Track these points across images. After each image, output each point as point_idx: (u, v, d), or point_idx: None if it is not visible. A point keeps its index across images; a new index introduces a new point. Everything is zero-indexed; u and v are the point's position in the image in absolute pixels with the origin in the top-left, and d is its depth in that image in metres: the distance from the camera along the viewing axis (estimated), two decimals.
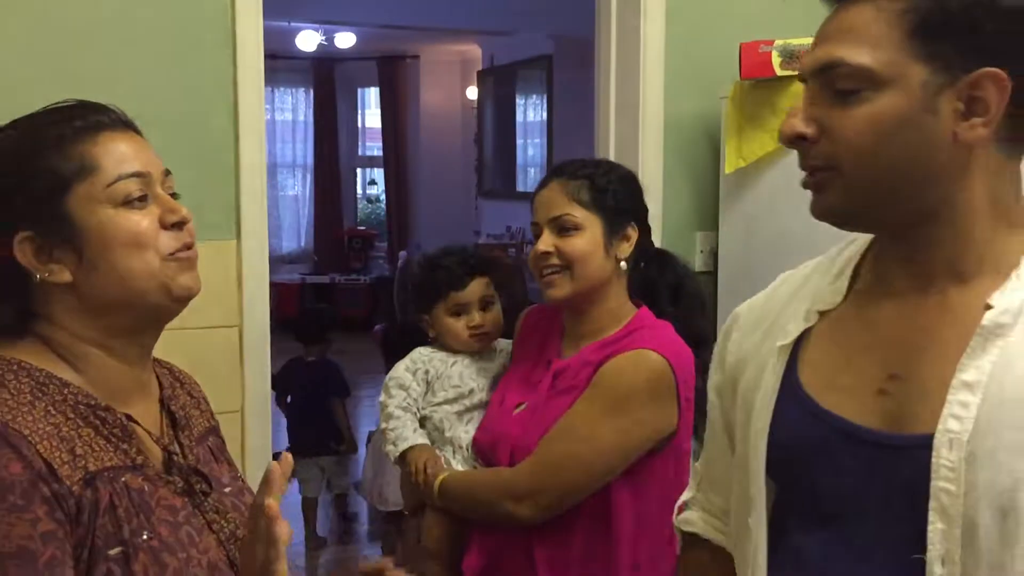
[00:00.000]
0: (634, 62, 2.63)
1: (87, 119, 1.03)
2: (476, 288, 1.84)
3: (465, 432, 1.78)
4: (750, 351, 1.03)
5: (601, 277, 1.64)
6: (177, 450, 1.10)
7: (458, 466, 1.76)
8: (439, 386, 1.82)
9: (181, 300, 1.06)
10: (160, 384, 1.15)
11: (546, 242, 1.62)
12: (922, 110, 0.84)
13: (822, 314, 0.97)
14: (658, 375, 1.57)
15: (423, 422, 1.83)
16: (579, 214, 1.61)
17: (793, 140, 0.90)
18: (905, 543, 0.85)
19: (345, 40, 8.61)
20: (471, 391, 1.82)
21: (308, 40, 8.35)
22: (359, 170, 10.33)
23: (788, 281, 1.07)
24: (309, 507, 4.32)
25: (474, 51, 9.28)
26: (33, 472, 0.91)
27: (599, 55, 2.76)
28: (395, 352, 4.00)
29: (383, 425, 1.83)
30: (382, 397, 1.84)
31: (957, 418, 0.84)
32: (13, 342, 1.03)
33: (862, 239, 0.99)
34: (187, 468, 1.08)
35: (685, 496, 1.21)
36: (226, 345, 2.22)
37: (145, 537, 0.97)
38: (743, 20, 2.64)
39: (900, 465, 0.86)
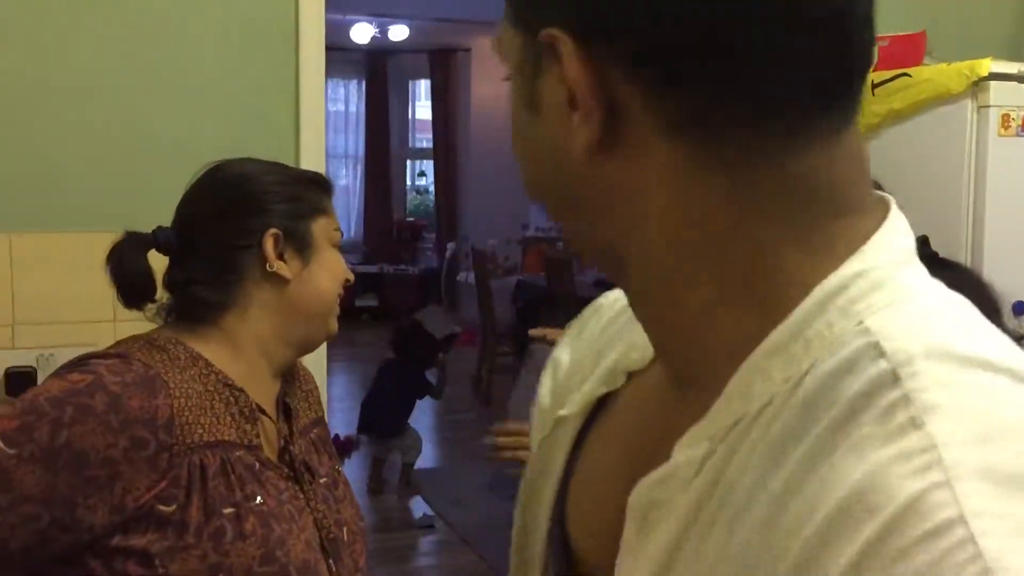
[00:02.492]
0: None
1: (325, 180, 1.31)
2: None
3: None
4: (566, 387, 0.67)
5: None
6: (291, 439, 1.22)
7: None
8: None
9: (327, 337, 1.27)
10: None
11: None
12: None
13: (630, 375, 0.62)
14: None
15: None
16: None
17: None
18: None
19: (398, 33, 8.67)
20: None
21: (362, 32, 8.43)
22: (409, 162, 10.39)
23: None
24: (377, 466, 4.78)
25: None
26: (147, 414, 1.03)
27: None
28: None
29: None
30: None
31: None
32: (185, 327, 1.19)
33: None
34: (298, 458, 1.20)
35: None
36: None
37: (259, 501, 1.10)
38: None
39: None
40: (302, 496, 1.17)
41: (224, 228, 1.20)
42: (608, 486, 0.56)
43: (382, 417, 4.72)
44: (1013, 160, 2.02)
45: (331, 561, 1.16)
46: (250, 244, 1.19)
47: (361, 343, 8.31)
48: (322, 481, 1.24)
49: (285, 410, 1.25)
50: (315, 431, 1.31)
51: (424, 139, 10.25)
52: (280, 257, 1.19)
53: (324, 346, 2.50)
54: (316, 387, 1.39)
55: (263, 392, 1.20)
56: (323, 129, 2.35)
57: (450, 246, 9.05)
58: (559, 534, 0.63)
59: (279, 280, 1.19)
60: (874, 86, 2.20)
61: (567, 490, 0.63)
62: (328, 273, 1.24)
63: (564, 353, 0.70)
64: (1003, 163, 2.02)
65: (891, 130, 2.19)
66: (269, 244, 1.19)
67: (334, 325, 1.26)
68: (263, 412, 1.19)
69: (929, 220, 2.04)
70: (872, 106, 2.21)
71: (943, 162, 2.07)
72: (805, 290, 0.46)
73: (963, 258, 2.03)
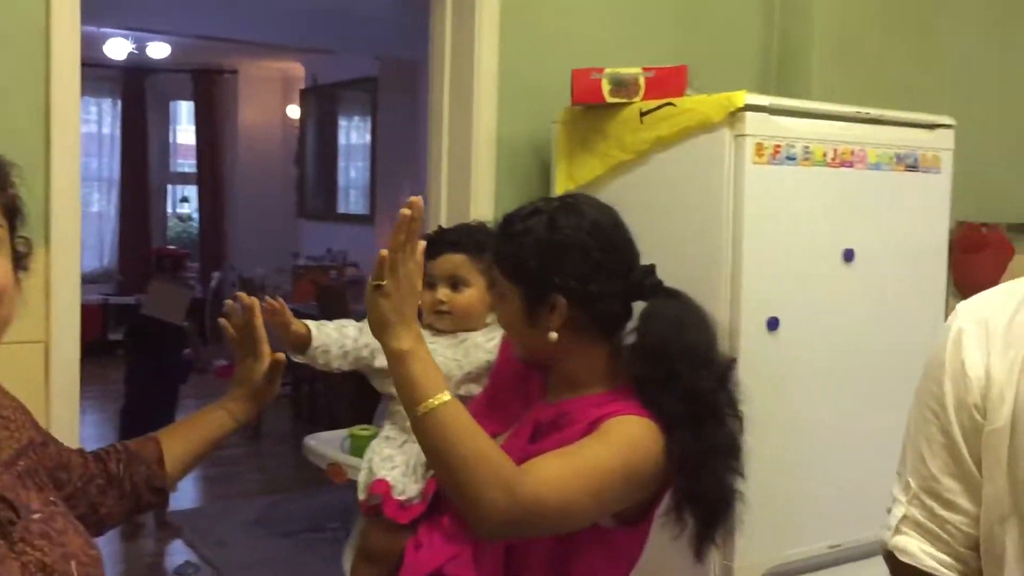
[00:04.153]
0: (468, 84, 2.66)
1: None
2: (446, 264, 1.78)
3: None
4: (1005, 374, 1.02)
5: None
6: None
7: (418, 466, 1.73)
8: None
9: None
10: None
11: None
12: None
13: None
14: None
15: (394, 412, 1.80)
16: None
17: None
18: None
19: (158, 50, 8.27)
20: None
21: (118, 48, 7.96)
22: (170, 187, 9.92)
23: None
24: None
25: (296, 69, 9.13)
26: None
27: (432, 76, 2.77)
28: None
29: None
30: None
31: None
32: None
33: None
34: None
35: (895, 512, 1.10)
36: (29, 363, 2.06)
37: None
38: (575, 47, 2.73)
39: None
40: (2, 542, 1.02)
41: None
42: None
43: (147, 421, 4.33)
44: (766, 186, 2.18)
45: None
46: None
47: (115, 380, 7.74)
48: (35, 517, 1.07)
49: None
50: (22, 462, 1.13)
51: (187, 164, 9.83)
52: None
53: (76, 383, 2.29)
54: (22, 409, 1.20)
55: None
56: (78, 150, 2.22)
57: (215, 275, 8.66)
58: None
59: None
60: (642, 114, 2.31)
61: None
62: None
63: (974, 349, 1.05)
64: (758, 188, 2.16)
65: (659, 156, 2.30)
66: None
67: None
68: None
69: (696, 239, 2.18)
70: (640, 133, 2.32)
71: (706, 186, 2.19)
72: None
73: (725, 274, 2.16)
